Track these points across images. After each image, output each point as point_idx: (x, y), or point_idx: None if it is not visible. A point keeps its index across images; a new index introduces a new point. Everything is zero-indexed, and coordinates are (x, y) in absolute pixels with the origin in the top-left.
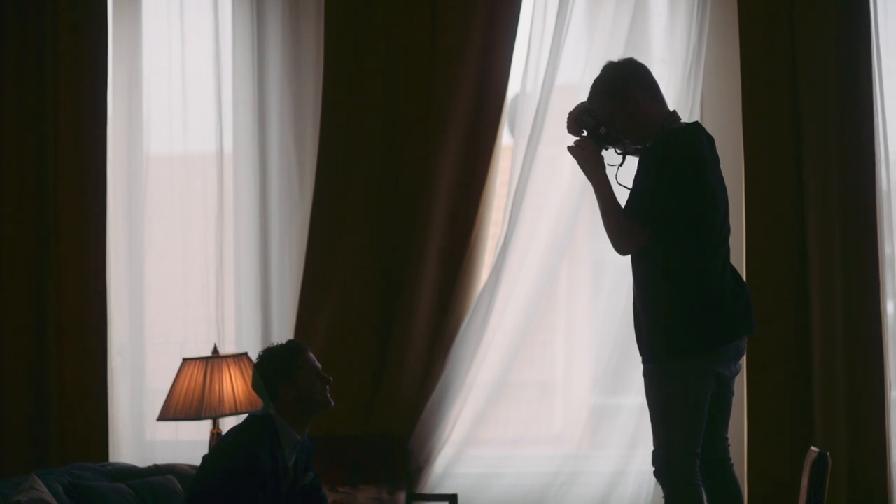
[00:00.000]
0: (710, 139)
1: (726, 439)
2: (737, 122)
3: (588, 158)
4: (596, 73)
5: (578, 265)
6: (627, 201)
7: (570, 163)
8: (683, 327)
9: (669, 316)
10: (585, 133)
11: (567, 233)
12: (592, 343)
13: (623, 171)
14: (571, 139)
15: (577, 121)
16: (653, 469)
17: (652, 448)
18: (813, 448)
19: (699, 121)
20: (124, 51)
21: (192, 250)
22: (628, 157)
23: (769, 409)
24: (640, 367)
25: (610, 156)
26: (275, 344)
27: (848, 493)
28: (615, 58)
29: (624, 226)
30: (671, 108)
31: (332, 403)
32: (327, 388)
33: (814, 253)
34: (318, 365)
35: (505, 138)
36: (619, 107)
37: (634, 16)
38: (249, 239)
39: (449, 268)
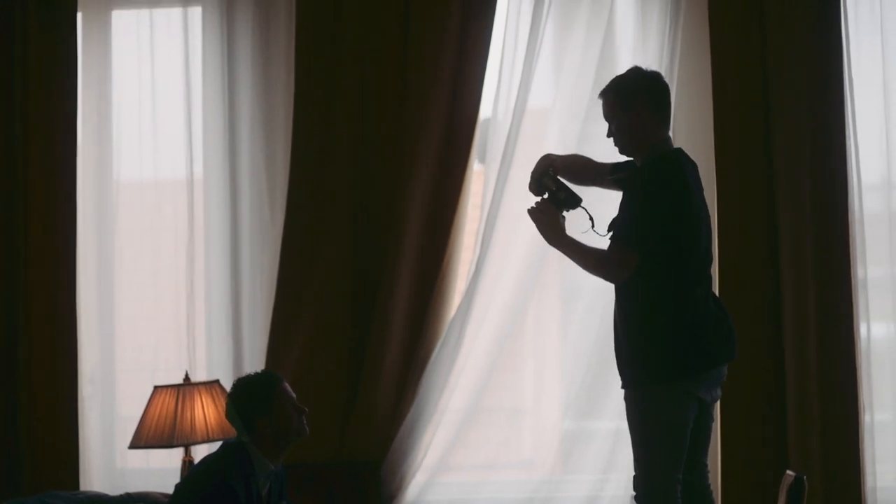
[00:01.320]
0: (694, 165)
1: (706, 465)
2: (709, 146)
3: (547, 224)
4: (567, 96)
5: (551, 289)
6: (616, 227)
7: None
8: (666, 352)
9: (652, 341)
10: (546, 196)
11: (540, 257)
12: (565, 367)
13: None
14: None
15: (538, 182)
16: (633, 494)
17: (633, 473)
18: (789, 472)
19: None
20: (94, 77)
21: (163, 277)
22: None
23: (743, 434)
24: (614, 391)
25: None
26: (249, 374)
27: None
28: (588, 79)
29: (613, 256)
30: (670, 135)
31: (308, 432)
32: (303, 417)
33: (787, 276)
34: (294, 395)
35: (476, 164)
36: (620, 111)
37: (605, 39)
38: (220, 265)
39: (421, 293)
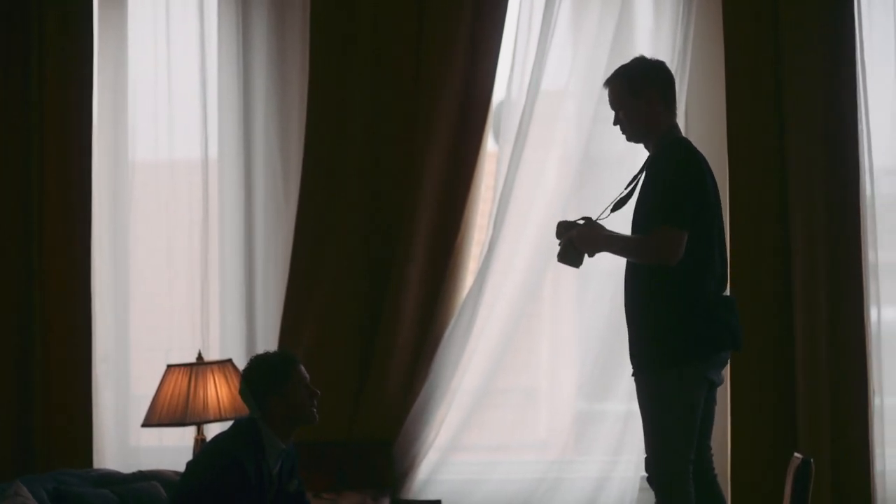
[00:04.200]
0: (702, 154)
1: (710, 448)
2: (721, 130)
3: (591, 238)
4: (581, 78)
5: (563, 270)
6: (655, 210)
7: (556, 168)
8: (680, 334)
9: (666, 324)
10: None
11: (552, 237)
12: (577, 349)
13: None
14: (557, 144)
15: (561, 233)
16: (645, 476)
17: (644, 455)
18: (797, 455)
19: (683, 126)
20: (110, 58)
21: (177, 257)
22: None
23: (753, 417)
24: (626, 373)
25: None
26: (267, 352)
27: (831, 499)
28: (601, 61)
29: (663, 238)
30: (677, 122)
31: (317, 419)
32: (315, 402)
33: (798, 261)
34: (308, 378)
35: (490, 144)
36: (630, 98)
37: (619, 20)
38: (234, 246)
39: (434, 274)
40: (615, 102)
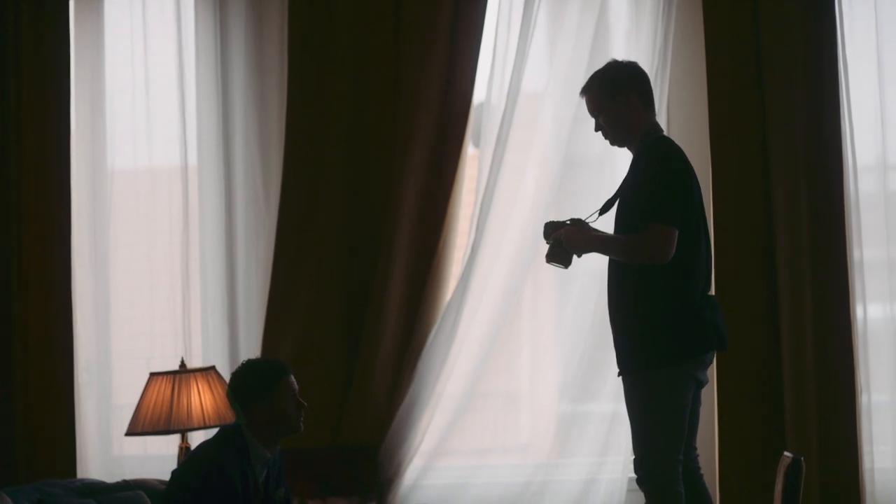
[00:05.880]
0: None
1: (696, 448)
2: (703, 129)
3: (578, 239)
4: (561, 80)
5: (546, 273)
6: (643, 209)
7: (536, 172)
8: (668, 335)
9: (653, 324)
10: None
11: (534, 240)
12: (561, 351)
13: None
14: (537, 146)
15: (549, 233)
16: (634, 477)
17: (632, 456)
18: (786, 453)
19: (665, 125)
20: (87, 66)
21: (158, 265)
22: None
23: (740, 417)
24: (610, 373)
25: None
26: (259, 358)
27: (821, 498)
28: (581, 63)
29: (653, 234)
30: (657, 121)
31: (302, 430)
32: (301, 414)
33: (783, 259)
34: (297, 388)
35: (470, 147)
36: (609, 102)
37: (599, 21)
38: (215, 252)
39: (416, 278)
40: (594, 109)
